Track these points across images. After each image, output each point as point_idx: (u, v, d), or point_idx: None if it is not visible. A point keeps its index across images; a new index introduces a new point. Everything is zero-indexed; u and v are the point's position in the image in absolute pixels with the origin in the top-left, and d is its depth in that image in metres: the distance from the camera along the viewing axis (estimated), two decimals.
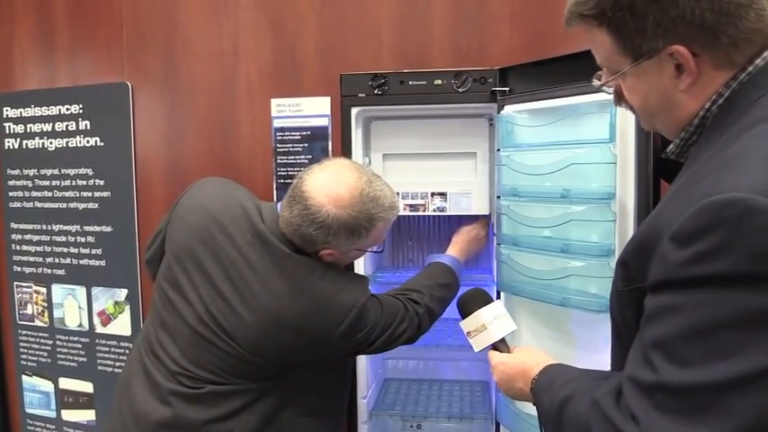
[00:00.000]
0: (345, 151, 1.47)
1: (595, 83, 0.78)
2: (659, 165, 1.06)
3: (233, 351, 1.07)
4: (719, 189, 0.54)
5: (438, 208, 1.59)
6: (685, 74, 0.65)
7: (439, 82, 1.42)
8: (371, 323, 1.13)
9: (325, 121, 1.66)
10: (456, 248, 1.48)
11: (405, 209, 1.60)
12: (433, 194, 1.59)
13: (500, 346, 1.01)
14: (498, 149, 1.38)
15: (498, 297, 1.41)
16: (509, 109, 1.35)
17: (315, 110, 1.66)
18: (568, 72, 1.19)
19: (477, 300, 1.05)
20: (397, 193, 1.58)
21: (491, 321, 1.02)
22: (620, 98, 0.75)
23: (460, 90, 1.41)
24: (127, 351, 1.87)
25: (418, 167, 1.59)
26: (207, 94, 1.76)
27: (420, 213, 1.61)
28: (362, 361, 1.51)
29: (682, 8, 0.62)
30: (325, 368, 1.18)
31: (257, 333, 1.06)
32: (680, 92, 0.67)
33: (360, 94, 1.45)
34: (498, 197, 1.38)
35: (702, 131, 0.68)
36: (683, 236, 0.55)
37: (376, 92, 1.44)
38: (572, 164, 1.17)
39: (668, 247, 0.56)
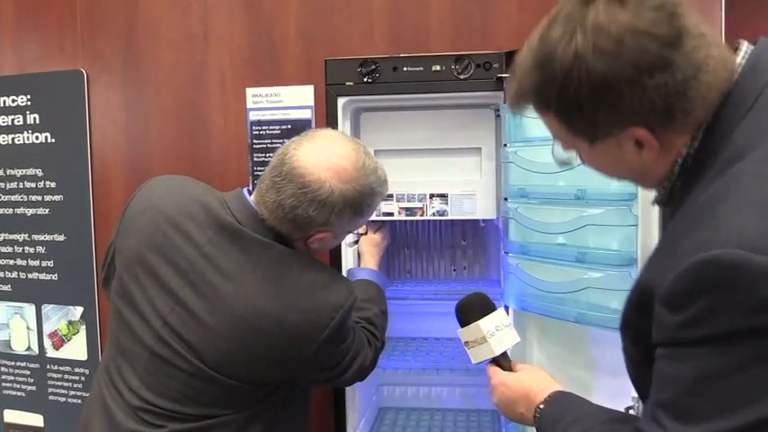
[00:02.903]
0: None
1: (555, 153, 0.83)
2: None
3: (195, 371, 1.08)
4: (697, 248, 0.61)
5: (438, 211, 1.61)
6: (647, 149, 0.71)
7: (437, 68, 1.44)
8: (350, 337, 1.17)
9: (308, 114, 1.68)
10: (375, 260, 1.52)
11: (400, 213, 1.62)
12: (432, 196, 1.61)
13: (501, 360, 1.04)
14: (505, 144, 1.41)
15: (506, 312, 1.43)
16: None
17: (296, 100, 1.69)
18: None
19: (477, 307, 1.06)
20: (391, 196, 1.62)
21: (492, 333, 1.03)
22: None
23: (462, 77, 1.43)
24: (83, 378, 1.89)
25: (415, 166, 1.61)
26: (173, 83, 1.78)
27: (418, 218, 1.63)
28: (352, 386, 1.53)
29: (629, 100, 0.67)
30: (296, 401, 1.20)
31: (226, 344, 1.07)
32: (645, 164, 0.73)
33: (347, 83, 1.48)
34: (505, 199, 1.41)
35: (685, 176, 0.73)
36: (673, 301, 0.63)
37: (366, 80, 1.46)
38: None
39: (661, 312, 0.64)
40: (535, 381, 0.95)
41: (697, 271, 0.60)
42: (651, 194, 1.13)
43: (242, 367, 1.09)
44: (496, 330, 1.04)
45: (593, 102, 0.68)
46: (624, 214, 1.16)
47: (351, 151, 1.11)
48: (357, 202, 1.10)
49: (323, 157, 1.08)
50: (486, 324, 1.04)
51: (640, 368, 0.74)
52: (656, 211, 1.14)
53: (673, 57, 0.66)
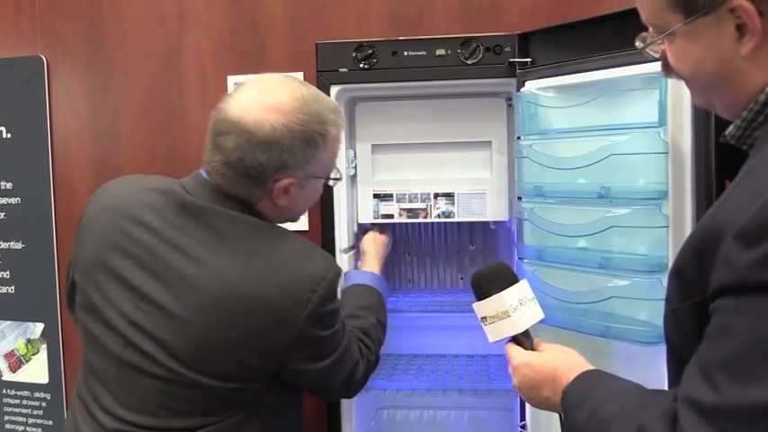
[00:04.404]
0: None
1: (638, 44, 0.82)
2: (723, 158, 1.08)
3: (170, 374, 1.08)
4: None
5: (443, 213, 1.61)
6: (748, 36, 0.69)
7: (442, 52, 1.44)
8: (336, 326, 1.16)
9: None
10: (378, 263, 1.55)
11: (401, 215, 1.62)
12: (436, 196, 1.61)
13: (522, 338, 1.02)
14: (518, 137, 1.41)
15: None
16: (531, 85, 1.38)
17: None
18: (606, 38, 1.22)
19: (501, 277, 1.04)
20: (391, 196, 1.62)
21: (516, 307, 1.01)
22: (669, 67, 0.79)
23: (469, 62, 1.44)
24: (43, 404, 1.88)
25: (417, 162, 1.61)
26: (144, 70, 1.77)
27: (421, 220, 1.63)
28: (349, 410, 1.53)
29: None
30: (289, 407, 1.21)
31: (198, 332, 1.07)
32: (741, 58, 0.71)
33: (341, 69, 1.47)
34: (519, 198, 1.41)
35: None
36: (749, 234, 0.60)
37: (362, 65, 1.46)
38: (611, 155, 1.19)
39: (732, 248, 0.61)
40: (564, 360, 0.93)
41: None
42: (684, 192, 1.14)
43: (219, 359, 1.08)
44: (520, 304, 1.01)
45: None
46: (653, 215, 1.15)
47: (283, 86, 1.14)
48: (306, 132, 1.11)
49: (255, 99, 1.11)
50: (510, 296, 1.01)
51: (681, 325, 0.72)
52: (688, 211, 1.14)
53: None
